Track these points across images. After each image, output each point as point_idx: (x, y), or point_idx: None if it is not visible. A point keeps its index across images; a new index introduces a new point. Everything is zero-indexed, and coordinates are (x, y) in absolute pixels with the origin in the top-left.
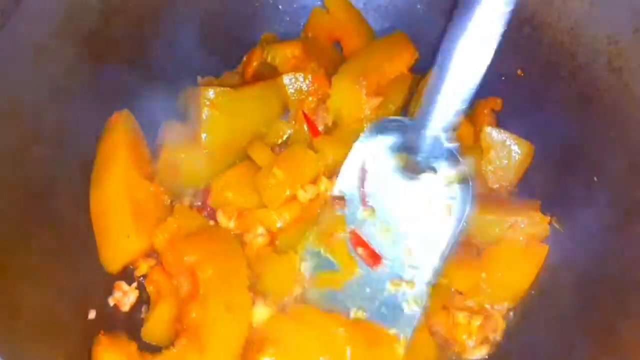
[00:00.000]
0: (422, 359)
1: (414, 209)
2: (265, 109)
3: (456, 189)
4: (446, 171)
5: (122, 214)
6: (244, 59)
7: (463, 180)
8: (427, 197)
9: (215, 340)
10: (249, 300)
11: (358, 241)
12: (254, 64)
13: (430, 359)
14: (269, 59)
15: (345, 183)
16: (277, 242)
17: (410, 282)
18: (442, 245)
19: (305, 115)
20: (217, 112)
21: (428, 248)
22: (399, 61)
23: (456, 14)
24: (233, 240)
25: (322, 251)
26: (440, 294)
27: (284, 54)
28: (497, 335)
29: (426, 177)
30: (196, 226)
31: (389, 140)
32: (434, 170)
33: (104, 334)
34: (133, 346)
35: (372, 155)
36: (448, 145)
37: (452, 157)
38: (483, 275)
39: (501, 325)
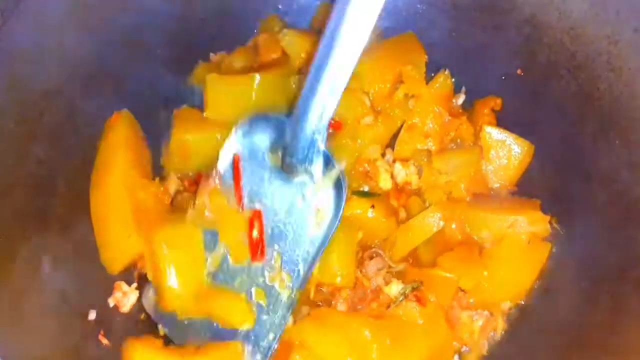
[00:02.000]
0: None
1: (287, 211)
2: (271, 99)
3: (330, 194)
4: (320, 174)
5: (122, 215)
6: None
7: (337, 186)
8: (299, 200)
9: None
10: None
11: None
12: (269, 46)
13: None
14: (283, 44)
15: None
16: None
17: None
18: (312, 252)
19: None
20: (223, 95)
21: (298, 254)
22: (408, 63)
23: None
24: None
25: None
26: (446, 291)
27: (301, 46)
28: (497, 335)
29: (301, 179)
30: None
31: (264, 137)
32: (309, 173)
33: (104, 334)
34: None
35: (248, 151)
36: (323, 148)
37: (327, 160)
38: (485, 273)
39: (502, 325)
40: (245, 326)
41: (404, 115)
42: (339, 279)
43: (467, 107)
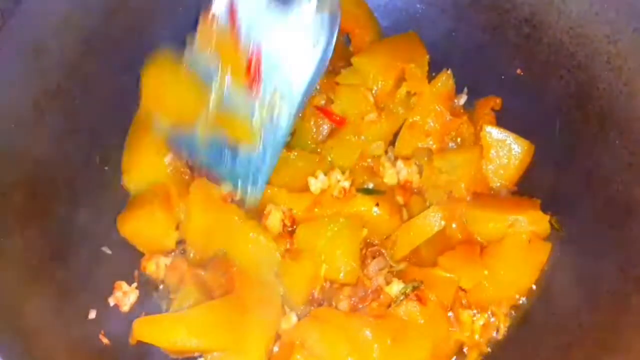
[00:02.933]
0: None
1: (283, 42)
2: None
3: (325, 18)
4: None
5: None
6: None
7: (332, 11)
8: (296, 27)
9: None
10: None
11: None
12: None
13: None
14: None
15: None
16: (293, 243)
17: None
18: (306, 76)
19: (321, 110)
20: None
21: (293, 79)
22: (411, 61)
23: None
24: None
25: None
26: (447, 291)
27: None
28: (499, 335)
29: (298, 4)
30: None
31: None
32: None
33: (104, 334)
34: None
35: None
36: None
37: None
38: (486, 272)
39: (504, 324)
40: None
41: (407, 113)
42: (342, 275)
43: (468, 107)
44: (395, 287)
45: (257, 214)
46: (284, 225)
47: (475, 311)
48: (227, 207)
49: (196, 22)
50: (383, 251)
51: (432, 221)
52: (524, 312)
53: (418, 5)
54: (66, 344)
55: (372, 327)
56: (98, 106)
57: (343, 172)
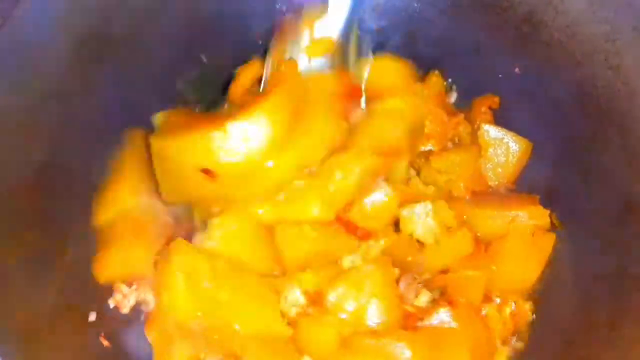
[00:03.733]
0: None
1: None
2: None
3: None
4: None
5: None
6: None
7: None
8: None
9: None
10: None
11: None
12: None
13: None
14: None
15: None
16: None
17: None
18: None
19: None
20: None
21: None
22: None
23: None
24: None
25: None
26: (474, 290)
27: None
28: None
29: None
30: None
31: None
32: None
33: (104, 336)
34: None
35: None
36: None
37: None
38: (494, 268)
39: (529, 308)
40: None
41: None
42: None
43: (463, 105)
44: (424, 298)
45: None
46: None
47: (498, 300)
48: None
49: (193, 23)
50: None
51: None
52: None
53: (416, 5)
54: (66, 346)
55: (407, 341)
56: (97, 107)
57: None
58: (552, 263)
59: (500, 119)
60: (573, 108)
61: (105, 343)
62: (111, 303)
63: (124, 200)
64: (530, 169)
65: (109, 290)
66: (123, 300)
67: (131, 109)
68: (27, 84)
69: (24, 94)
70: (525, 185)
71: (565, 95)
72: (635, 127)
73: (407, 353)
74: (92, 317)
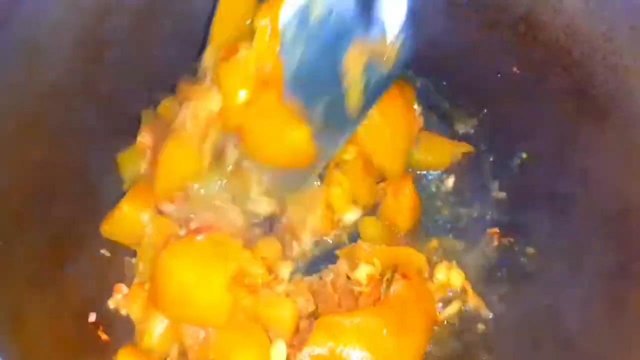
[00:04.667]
0: None
1: None
2: None
3: None
4: None
5: None
6: None
7: None
8: None
9: None
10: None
11: None
12: None
13: None
14: None
15: None
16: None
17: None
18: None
19: None
20: None
21: None
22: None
23: None
24: None
25: None
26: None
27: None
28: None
29: None
30: None
31: None
32: None
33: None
34: None
35: None
36: None
37: None
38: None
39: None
40: None
41: None
42: None
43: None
44: (363, 269)
45: None
46: None
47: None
48: None
49: (191, 23)
50: None
51: None
52: (520, 306)
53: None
54: (66, 346)
55: (377, 315)
56: (96, 107)
57: None
58: (551, 262)
59: (498, 118)
60: (571, 107)
61: (104, 337)
62: (111, 304)
63: None
64: (528, 167)
65: (108, 291)
66: (122, 300)
67: (131, 109)
68: (27, 84)
69: (24, 94)
70: (524, 184)
71: (563, 95)
72: (632, 125)
73: (378, 325)
74: (92, 317)
